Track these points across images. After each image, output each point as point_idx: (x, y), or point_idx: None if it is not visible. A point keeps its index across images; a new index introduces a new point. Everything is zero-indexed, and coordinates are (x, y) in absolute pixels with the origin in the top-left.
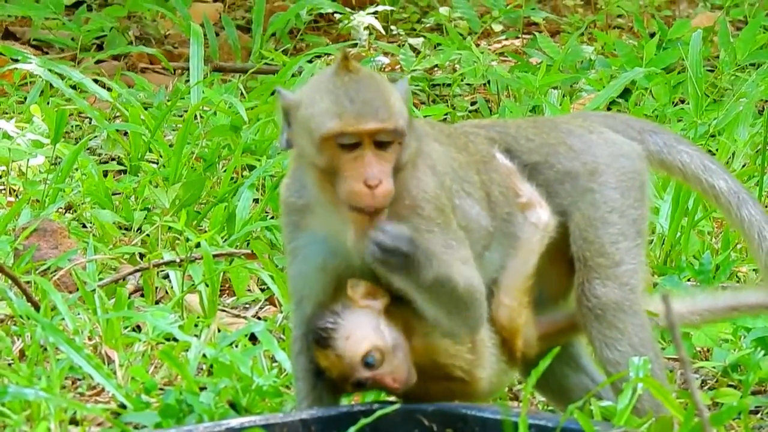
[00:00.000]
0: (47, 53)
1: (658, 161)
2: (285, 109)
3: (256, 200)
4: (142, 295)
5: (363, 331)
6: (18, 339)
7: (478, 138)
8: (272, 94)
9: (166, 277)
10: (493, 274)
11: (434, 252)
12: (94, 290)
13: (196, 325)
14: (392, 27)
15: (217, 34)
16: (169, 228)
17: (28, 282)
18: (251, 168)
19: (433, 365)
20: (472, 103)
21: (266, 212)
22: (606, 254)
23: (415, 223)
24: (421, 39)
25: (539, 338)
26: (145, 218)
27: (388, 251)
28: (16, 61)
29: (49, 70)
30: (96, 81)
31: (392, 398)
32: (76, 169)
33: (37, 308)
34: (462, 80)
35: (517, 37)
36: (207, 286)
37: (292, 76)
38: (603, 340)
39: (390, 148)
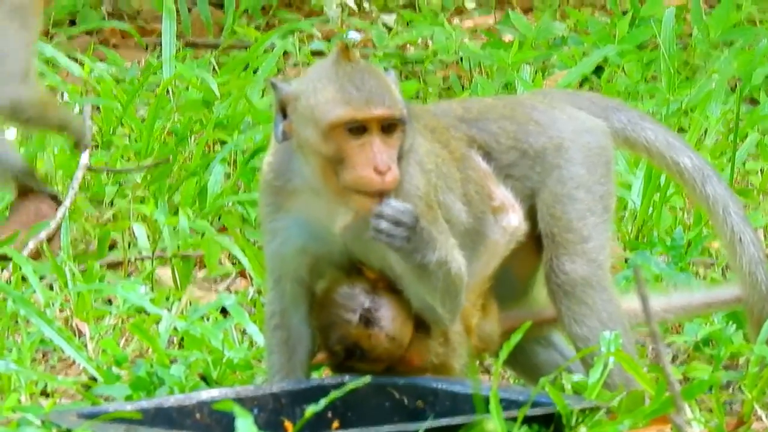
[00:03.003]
0: None
1: (622, 138)
2: (282, 101)
3: (227, 175)
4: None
5: (402, 310)
6: None
7: (458, 133)
8: (244, 69)
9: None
10: None
11: (434, 235)
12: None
13: (167, 298)
14: (365, 3)
15: (190, 10)
16: (141, 201)
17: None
18: (223, 143)
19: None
20: (445, 80)
21: (237, 186)
22: (574, 230)
23: None
24: (394, 15)
25: (503, 334)
26: (116, 192)
27: (393, 223)
28: None
29: None
30: (70, 57)
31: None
32: (48, 145)
33: None
34: (434, 57)
35: (490, 14)
36: (181, 260)
37: (264, 51)
38: (572, 317)
39: (395, 134)
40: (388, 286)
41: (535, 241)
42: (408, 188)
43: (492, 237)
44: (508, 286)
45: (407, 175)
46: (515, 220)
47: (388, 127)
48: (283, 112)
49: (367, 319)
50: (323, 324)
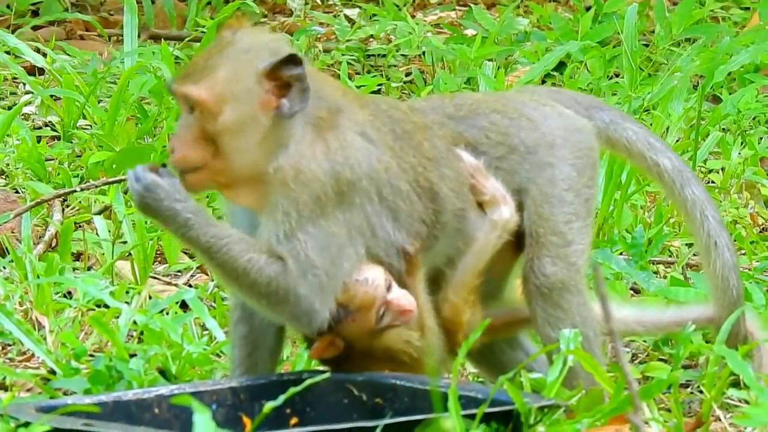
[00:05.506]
0: None
1: (604, 138)
2: None
3: None
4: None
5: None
6: None
7: (443, 131)
8: None
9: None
10: (439, 265)
11: (176, 208)
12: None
13: (127, 292)
14: None
15: (153, 2)
16: (104, 193)
17: None
18: None
19: (384, 349)
20: (407, 74)
21: None
22: (559, 233)
23: (276, 200)
24: (357, 9)
25: (488, 332)
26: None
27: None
28: None
29: None
30: (37, 50)
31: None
32: (9, 135)
33: None
34: (397, 51)
35: (453, 9)
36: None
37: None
38: (547, 319)
39: (195, 114)
40: None
41: (513, 240)
42: (287, 169)
43: (480, 232)
44: (483, 284)
45: (295, 158)
46: (507, 212)
47: (193, 106)
48: None
49: None
50: None
